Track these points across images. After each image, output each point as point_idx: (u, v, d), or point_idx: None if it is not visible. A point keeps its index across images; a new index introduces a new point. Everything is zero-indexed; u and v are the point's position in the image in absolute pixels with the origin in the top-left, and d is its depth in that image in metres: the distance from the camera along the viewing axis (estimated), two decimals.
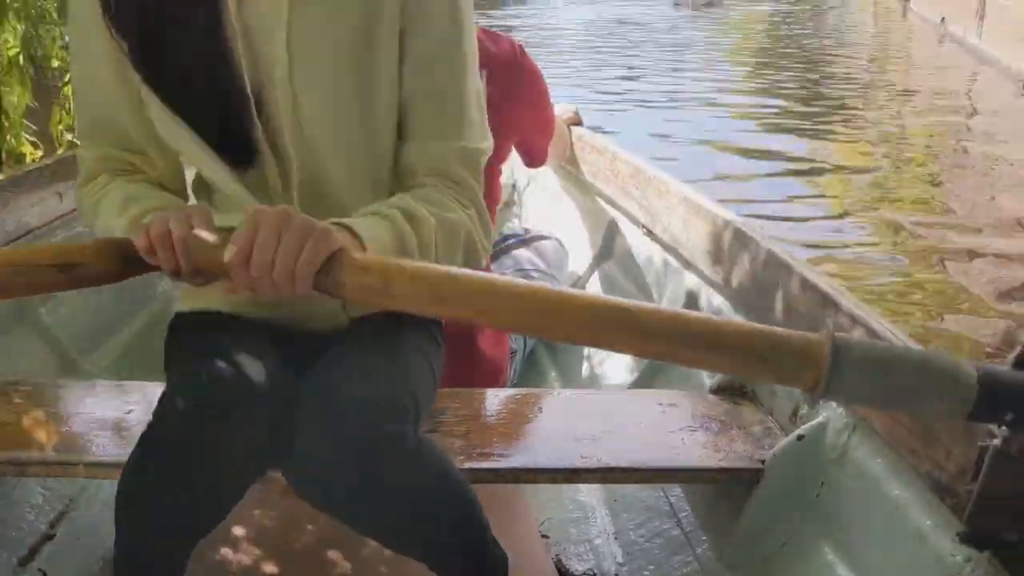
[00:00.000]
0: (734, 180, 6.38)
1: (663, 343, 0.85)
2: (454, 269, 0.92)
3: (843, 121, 8.68)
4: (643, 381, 1.82)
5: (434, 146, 1.19)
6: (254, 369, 1.07)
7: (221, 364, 1.07)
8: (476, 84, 1.22)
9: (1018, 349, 0.84)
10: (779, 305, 1.43)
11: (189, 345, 1.19)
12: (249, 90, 1.13)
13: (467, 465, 1.26)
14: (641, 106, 9.67)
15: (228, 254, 0.94)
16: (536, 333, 0.96)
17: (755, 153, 7.14)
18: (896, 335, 1.15)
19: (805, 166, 6.80)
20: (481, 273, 0.92)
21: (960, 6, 14.92)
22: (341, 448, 1.01)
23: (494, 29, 2.06)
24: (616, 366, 1.95)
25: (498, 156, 1.79)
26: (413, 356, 1.21)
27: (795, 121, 8.69)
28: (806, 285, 1.37)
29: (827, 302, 1.30)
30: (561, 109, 2.45)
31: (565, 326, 0.88)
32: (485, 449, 1.31)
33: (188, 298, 1.28)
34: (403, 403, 1.07)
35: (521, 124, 1.94)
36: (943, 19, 16.83)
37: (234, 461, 1.04)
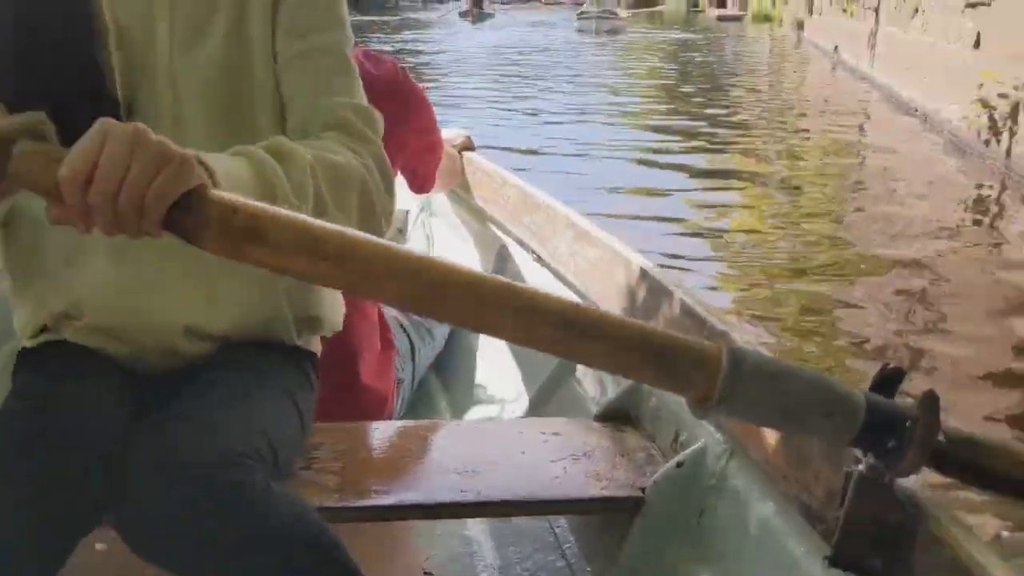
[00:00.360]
0: (642, 196, 6.46)
1: (562, 333, 0.81)
2: (345, 229, 0.79)
3: (741, 139, 8.85)
4: (532, 410, 1.81)
5: (325, 101, 1.09)
6: (89, 413, 0.99)
7: (50, 407, 0.99)
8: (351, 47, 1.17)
9: (874, 374, 0.85)
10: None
11: (23, 387, 1.08)
12: (120, 96, 1.04)
13: (341, 504, 1.22)
14: (547, 124, 9.75)
15: (64, 169, 0.76)
16: (428, 311, 0.85)
17: (657, 173, 7.24)
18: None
19: (704, 188, 6.94)
20: (369, 236, 0.80)
21: (851, 36, 15.45)
22: (175, 501, 0.92)
23: (377, 52, 2.05)
24: (507, 395, 1.94)
25: None
26: (273, 396, 1.12)
27: (695, 142, 8.88)
28: (686, 310, 1.39)
29: (706, 326, 1.32)
30: (452, 134, 2.44)
31: (459, 306, 0.81)
32: (362, 486, 1.27)
33: (28, 326, 1.15)
34: (250, 450, 0.98)
35: (406, 148, 1.90)
36: (836, 47, 17.42)
37: (56, 511, 0.94)
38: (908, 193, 6.50)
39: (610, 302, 1.64)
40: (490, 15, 37.90)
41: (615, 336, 0.81)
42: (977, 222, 5.77)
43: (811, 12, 23.68)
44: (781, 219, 5.79)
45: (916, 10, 10.53)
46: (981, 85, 6.78)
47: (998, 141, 6.71)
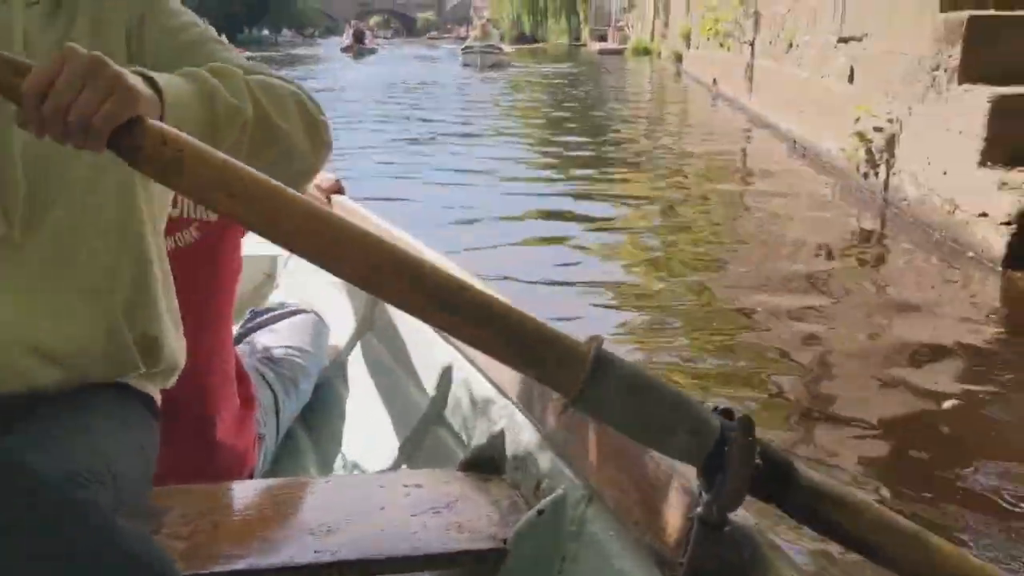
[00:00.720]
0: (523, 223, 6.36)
1: (448, 307, 0.85)
2: (257, 172, 0.88)
3: (623, 170, 8.90)
4: (400, 461, 1.81)
5: (220, 60, 1.14)
6: None
7: None
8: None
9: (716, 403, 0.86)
10: (523, 376, 1.42)
11: None
12: None
13: (187, 572, 1.16)
14: (425, 160, 9.67)
15: (25, 83, 0.87)
16: (324, 263, 0.90)
17: (539, 206, 7.16)
18: None
19: (588, 221, 6.85)
20: (279, 185, 0.88)
21: (729, 69, 15.83)
22: (18, 516, 0.91)
23: None
24: (375, 447, 1.91)
25: (237, 226, 1.70)
26: (113, 426, 1.13)
27: (579, 172, 8.87)
28: None
29: None
30: (320, 178, 2.41)
31: (354, 266, 0.87)
32: (211, 551, 1.23)
33: None
34: (96, 476, 0.99)
35: None
36: (715, 80, 17.84)
37: None
38: (790, 221, 6.58)
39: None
40: (372, 50, 37.73)
41: (490, 322, 0.84)
42: (861, 254, 5.84)
43: (689, 46, 24.32)
44: (660, 250, 5.77)
45: (791, 44, 10.82)
46: (858, 119, 6.93)
47: (876, 174, 6.86)
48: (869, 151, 6.84)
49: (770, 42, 12.31)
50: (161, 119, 0.92)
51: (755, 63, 13.32)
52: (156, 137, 0.87)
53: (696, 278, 5.17)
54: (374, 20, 75.23)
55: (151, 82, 0.94)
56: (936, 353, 4.00)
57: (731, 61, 15.45)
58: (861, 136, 6.88)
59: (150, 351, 1.19)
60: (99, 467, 1.01)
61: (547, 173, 8.91)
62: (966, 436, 3.21)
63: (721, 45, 14.81)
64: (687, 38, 24.51)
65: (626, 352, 3.90)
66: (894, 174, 6.56)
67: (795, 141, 9.94)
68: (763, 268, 5.35)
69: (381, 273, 0.86)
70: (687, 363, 3.91)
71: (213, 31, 1.23)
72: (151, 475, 1.20)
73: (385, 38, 60.03)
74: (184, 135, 0.88)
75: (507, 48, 31.61)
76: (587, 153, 10.38)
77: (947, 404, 3.42)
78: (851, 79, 8.00)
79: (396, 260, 0.86)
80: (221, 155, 0.88)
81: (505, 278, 4.86)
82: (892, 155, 6.58)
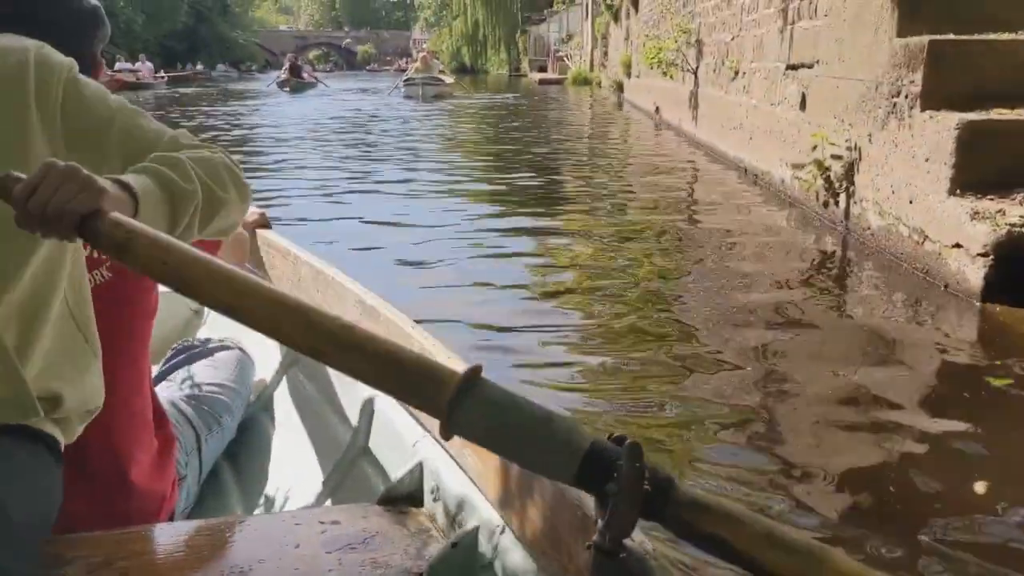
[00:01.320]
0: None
1: (325, 339, 0.94)
2: (184, 246, 1.06)
3: (571, 204, 8.61)
4: (323, 497, 1.82)
5: (156, 142, 1.36)
6: None
7: None
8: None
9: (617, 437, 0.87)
10: None
11: None
12: None
13: None
14: (370, 193, 9.35)
15: (17, 188, 1.08)
16: (235, 316, 1.01)
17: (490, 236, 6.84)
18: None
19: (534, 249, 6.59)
20: (200, 254, 1.05)
21: (672, 97, 15.75)
22: None
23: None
24: (298, 483, 1.91)
25: None
26: (6, 470, 1.13)
27: (526, 208, 8.60)
28: None
29: None
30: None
31: (255, 313, 0.99)
32: None
33: None
34: None
35: None
36: (657, 108, 17.77)
37: None
38: (747, 253, 6.34)
39: None
40: (311, 84, 37.15)
41: (375, 351, 0.92)
42: (822, 285, 5.60)
43: (629, 75, 24.38)
44: (611, 288, 5.46)
45: (736, 73, 10.69)
46: (815, 147, 6.74)
47: (836, 203, 6.65)
48: (828, 179, 6.65)
49: (714, 70, 12.21)
50: (136, 212, 1.15)
51: (699, 91, 13.23)
52: (112, 224, 1.07)
53: (648, 315, 4.87)
54: (313, 54, 74.78)
55: (124, 184, 1.16)
56: (911, 393, 3.74)
57: (674, 89, 15.38)
58: (819, 164, 6.69)
59: (52, 400, 1.23)
60: None
61: (495, 209, 8.58)
62: (943, 483, 2.96)
63: (664, 74, 14.70)
64: (627, 67, 24.64)
65: (575, 398, 3.67)
66: (855, 203, 6.36)
67: (745, 169, 9.78)
68: (718, 302, 5.08)
69: (277, 320, 0.97)
70: (634, 407, 3.63)
71: (124, 104, 1.36)
72: (50, 522, 1.18)
73: (325, 71, 59.56)
74: (133, 221, 1.09)
75: (447, 79, 31.56)
76: (534, 186, 10.11)
77: (922, 448, 3.19)
78: (803, 106, 7.83)
79: (288, 308, 0.97)
80: (162, 235, 1.07)
81: (449, 321, 4.65)
82: (852, 183, 6.39)
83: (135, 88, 32.28)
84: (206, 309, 2.63)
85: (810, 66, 7.77)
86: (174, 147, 1.32)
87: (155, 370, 1.97)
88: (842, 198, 6.55)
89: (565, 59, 44.12)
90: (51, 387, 1.22)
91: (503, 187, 9.96)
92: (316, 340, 0.94)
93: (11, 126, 1.24)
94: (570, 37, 47.31)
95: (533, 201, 9.03)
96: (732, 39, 11.12)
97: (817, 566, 0.85)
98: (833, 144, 6.56)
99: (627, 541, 0.89)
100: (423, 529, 1.41)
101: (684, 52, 13.81)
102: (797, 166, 7.28)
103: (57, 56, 1.29)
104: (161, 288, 1.80)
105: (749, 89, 10.06)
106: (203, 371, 2.06)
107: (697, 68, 13.42)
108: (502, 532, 1.26)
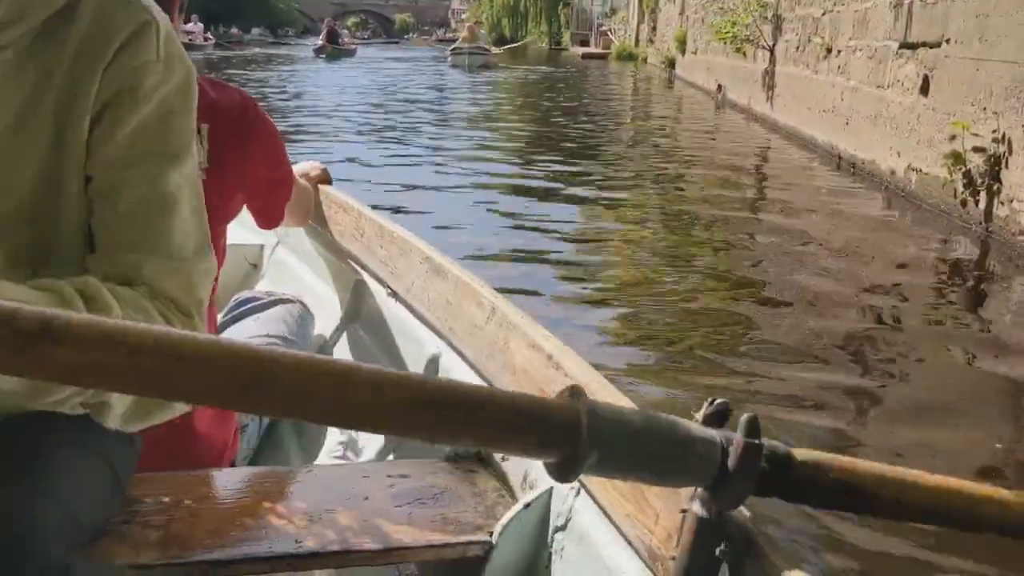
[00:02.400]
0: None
1: (410, 416, 0.73)
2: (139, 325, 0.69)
3: (623, 183, 7.89)
4: (385, 451, 1.80)
5: (126, 258, 1.01)
6: None
7: None
8: (190, 181, 1.05)
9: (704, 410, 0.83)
10: (510, 366, 1.46)
11: None
12: None
13: (162, 560, 1.15)
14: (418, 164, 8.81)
15: None
16: (249, 407, 0.72)
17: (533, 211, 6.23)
18: (623, 398, 1.18)
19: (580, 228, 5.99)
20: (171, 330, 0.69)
21: (740, 75, 14.92)
22: None
23: (223, 80, 1.98)
24: (360, 438, 1.88)
25: (224, 214, 1.75)
26: (69, 456, 1.03)
27: (567, 181, 8.00)
28: (533, 346, 1.40)
29: (552, 363, 1.33)
30: (308, 167, 2.41)
31: (280, 400, 0.69)
32: (188, 540, 1.19)
33: None
34: (42, 526, 0.90)
35: (252, 182, 1.83)
36: (720, 87, 16.93)
37: None
38: (856, 256, 5.56)
39: (463, 337, 1.65)
40: (349, 52, 36.30)
41: (469, 409, 0.76)
42: (953, 298, 4.84)
43: (684, 51, 23.49)
44: (689, 291, 4.71)
45: (829, 51, 9.87)
46: (953, 138, 5.96)
47: (976, 201, 5.87)
48: (967, 174, 5.87)
49: (797, 47, 11.38)
50: None
51: (776, 69, 12.40)
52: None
53: (707, 341, 4.09)
54: (351, 21, 73.99)
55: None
56: None
57: (742, 67, 14.55)
58: (957, 157, 5.91)
59: None
60: (50, 513, 0.94)
61: (563, 192, 7.84)
62: None
63: (738, 50, 13.87)
64: (682, 43, 23.73)
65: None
66: (1002, 203, 5.58)
67: (839, 157, 8.99)
68: (825, 311, 4.34)
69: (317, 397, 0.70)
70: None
71: (185, 145, 1.03)
72: (126, 481, 1.17)
73: (363, 39, 58.77)
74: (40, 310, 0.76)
75: (494, 50, 31.17)
76: (597, 167, 9.37)
77: None
78: (924, 90, 7.03)
79: (336, 375, 0.70)
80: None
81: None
82: (998, 180, 5.61)
83: (188, 49, 31.52)
84: (265, 263, 2.67)
85: (935, 45, 6.96)
86: (142, 283, 0.99)
87: (217, 320, 1.98)
88: (983, 196, 5.78)
89: (609, 33, 43.19)
90: None
91: (562, 172, 9.22)
92: (399, 402, 0.72)
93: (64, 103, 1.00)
94: (614, 11, 46.35)
95: (586, 182, 8.31)
96: (823, 14, 10.29)
97: (960, 497, 0.83)
98: (976, 135, 5.78)
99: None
100: (492, 489, 1.40)
101: (760, 27, 12.96)
102: (915, 157, 6.49)
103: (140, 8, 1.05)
104: (228, 239, 1.82)
105: (846, 69, 9.25)
106: (264, 324, 2.07)
107: (774, 45, 12.59)
108: (577, 494, 1.24)
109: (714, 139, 12.02)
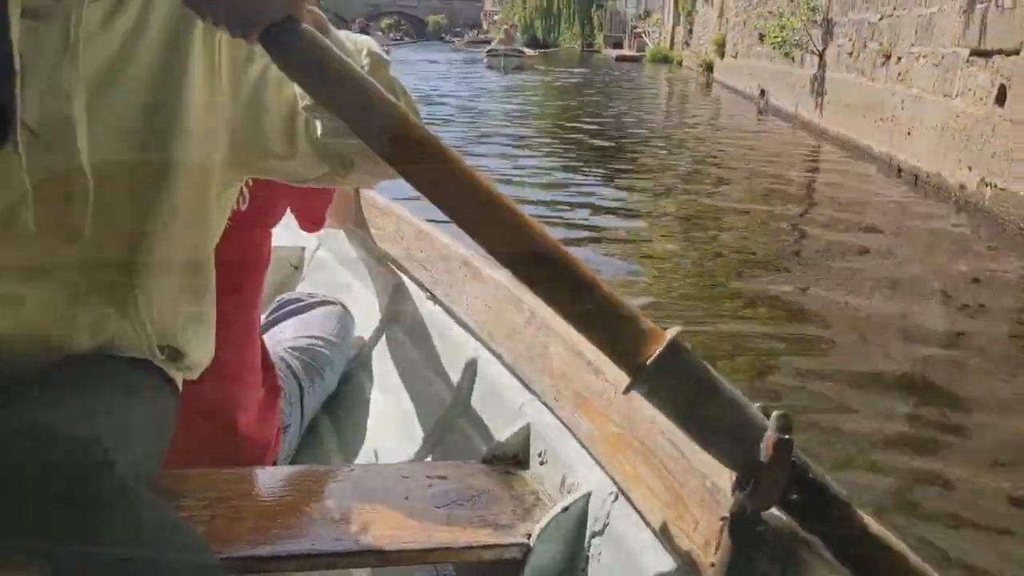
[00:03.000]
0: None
1: (543, 263, 0.89)
2: (387, 95, 0.93)
3: (663, 189, 7.54)
4: (424, 452, 1.80)
5: None
6: None
7: None
8: None
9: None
10: (548, 370, 1.47)
11: None
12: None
13: None
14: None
15: None
16: (424, 186, 0.90)
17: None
18: None
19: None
20: (399, 105, 0.94)
21: (785, 80, 14.53)
22: (35, 482, 0.93)
23: None
24: (399, 438, 1.90)
25: (268, 219, 1.78)
26: (132, 399, 1.14)
27: (601, 187, 7.74)
28: (573, 351, 1.40)
29: (592, 368, 1.33)
30: None
31: (455, 197, 0.91)
32: (231, 536, 1.23)
33: None
34: (113, 439, 0.98)
35: (296, 187, 1.70)
36: (763, 92, 16.53)
37: None
38: (937, 278, 5.18)
39: (502, 341, 1.67)
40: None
41: (581, 284, 0.88)
42: None
43: (722, 55, 23.08)
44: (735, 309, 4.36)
45: (887, 57, 9.48)
46: None
47: None
48: None
49: (850, 53, 10.99)
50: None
51: (826, 75, 12.01)
52: (308, 38, 0.92)
53: (781, 354, 3.75)
54: (385, 22, 73.99)
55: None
56: None
57: (787, 72, 14.15)
58: None
59: (173, 353, 1.22)
60: (118, 434, 1.02)
61: (597, 199, 7.50)
62: None
63: (786, 55, 13.47)
64: (720, 46, 23.33)
65: None
66: None
67: (899, 168, 8.60)
68: (890, 337, 3.98)
69: (482, 217, 0.91)
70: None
71: None
72: (164, 453, 1.19)
73: (395, 40, 58.71)
74: (333, 46, 0.93)
75: (529, 52, 31.06)
76: (632, 173, 9.03)
77: None
78: (1000, 100, 6.64)
79: (500, 207, 0.90)
80: (355, 73, 0.92)
81: None
82: None
83: None
84: (306, 265, 2.70)
85: (1013, 52, 6.56)
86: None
87: (260, 320, 2.01)
88: None
89: (643, 36, 42.82)
90: (171, 336, 1.20)
91: (606, 174, 8.90)
92: (521, 246, 0.89)
93: (172, 53, 1.14)
94: (648, 14, 45.97)
95: (621, 188, 8.02)
96: (881, 19, 9.90)
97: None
98: None
99: (766, 514, 0.87)
100: (530, 491, 1.40)
101: (809, 31, 12.57)
102: (992, 172, 6.10)
103: None
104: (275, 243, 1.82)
105: (907, 76, 8.85)
106: (306, 325, 2.11)
107: (824, 49, 12.19)
108: (615, 499, 1.24)
109: (757, 146, 11.64)
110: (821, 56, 12.30)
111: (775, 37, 13.29)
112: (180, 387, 1.26)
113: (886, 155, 9.10)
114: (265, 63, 1.14)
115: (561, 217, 6.51)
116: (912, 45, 8.79)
